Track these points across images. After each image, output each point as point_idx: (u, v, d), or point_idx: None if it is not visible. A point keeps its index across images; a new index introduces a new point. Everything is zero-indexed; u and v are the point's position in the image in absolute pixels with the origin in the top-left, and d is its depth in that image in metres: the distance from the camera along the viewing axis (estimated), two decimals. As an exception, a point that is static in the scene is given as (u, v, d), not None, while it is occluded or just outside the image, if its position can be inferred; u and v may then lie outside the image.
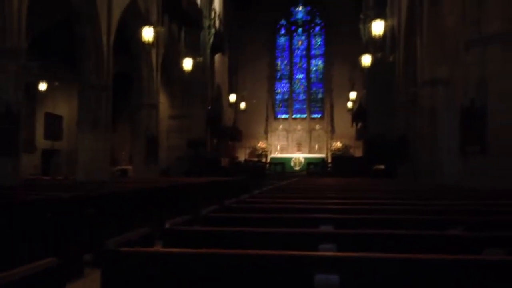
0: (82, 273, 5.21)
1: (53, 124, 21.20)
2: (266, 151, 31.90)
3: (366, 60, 19.42)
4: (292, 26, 33.79)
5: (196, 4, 22.31)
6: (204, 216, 3.47)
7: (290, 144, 32.16)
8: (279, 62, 33.78)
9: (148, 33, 15.22)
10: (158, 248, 2.41)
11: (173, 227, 2.74)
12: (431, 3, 12.16)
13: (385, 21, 17.21)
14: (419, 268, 2.16)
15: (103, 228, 5.69)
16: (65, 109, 21.45)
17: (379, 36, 16.01)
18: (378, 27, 15.81)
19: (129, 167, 20.38)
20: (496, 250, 2.41)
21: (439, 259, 2.18)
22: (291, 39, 33.78)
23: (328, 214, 4.13)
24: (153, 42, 15.70)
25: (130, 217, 6.47)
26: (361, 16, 22.72)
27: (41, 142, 20.55)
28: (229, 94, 30.58)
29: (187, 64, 20.24)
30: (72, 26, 13.42)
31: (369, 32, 18.32)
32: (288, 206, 4.68)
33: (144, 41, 15.29)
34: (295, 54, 33.73)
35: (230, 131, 29.17)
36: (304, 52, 33.65)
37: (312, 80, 33.42)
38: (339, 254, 2.30)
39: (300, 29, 33.72)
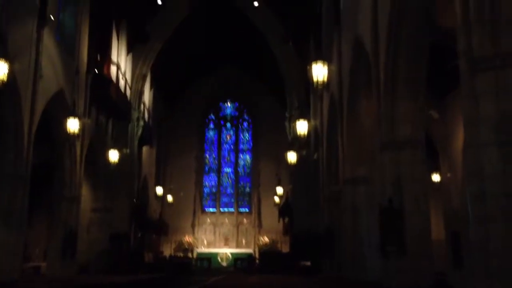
0: None
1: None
2: (193, 246, 31.01)
3: (292, 157, 20.07)
4: (220, 121, 34.60)
5: (125, 96, 22.44)
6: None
7: (218, 238, 31.55)
8: (207, 156, 34.03)
9: (73, 125, 14.90)
10: None
11: None
12: (350, 107, 13.02)
13: (309, 121, 18.12)
14: None
15: None
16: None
17: (304, 135, 16.74)
18: (302, 126, 16.56)
19: (43, 264, 18.92)
20: None
21: None
22: (219, 133, 34.41)
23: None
24: (78, 134, 15.36)
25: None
26: (286, 114, 23.82)
27: None
28: (156, 186, 30.05)
29: (113, 156, 19.84)
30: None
31: (294, 130, 19.14)
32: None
33: (69, 133, 14.93)
34: (223, 148, 34.23)
35: (156, 225, 28.26)
36: (232, 146, 34.25)
37: (240, 174, 33.76)
38: None
39: (228, 124, 34.55)
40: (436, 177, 16.61)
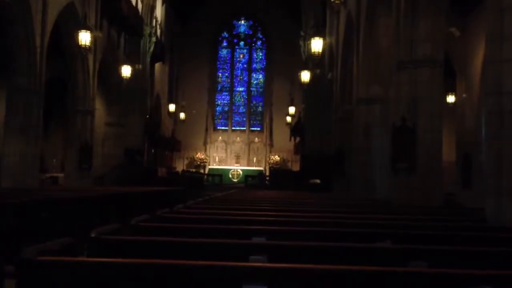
0: (2, 286, 4.90)
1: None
2: (205, 162, 31.70)
3: (305, 76, 19.81)
4: (234, 39, 33.97)
5: (137, 11, 21.93)
6: (133, 226, 3.37)
7: (229, 156, 32.16)
8: (220, 74, 33.80)
9: (85, 37, 14.71)
10: (81, 257, 2.30)
11: (99, 236, 2.63)
12: (367, 25, 12.61)
13: (324, 39, 17.66)
14: (347, 279, 2.19)
15: (27, 238, 5.39)
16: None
17: (318, 53, 16.38)
18: (317, 45, 16.17)
19: (61, 175, 19.56)
20: (419, 262, 2.49)
21: (366, 271, 2.23)
22: (233, 52, 33.93)
23: (261, 225, 4.14)
24: (90, 47, 15.20)
25: (56, 227, 6.18)
26: (301, 33, 23.22)
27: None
28: (168, 103, 30.20)
29: (126, 71, 19.78)
30: (2, 27, 12.76)
31: (309, 49, 18.74)
32: (222, 217, 4.65)
33: (81, 45, 14.78)
34: (236, 66, 33.89)
35: (169, 141, 28.75)
36: (245, 65, 33.88)
37: (252, 94, 33.67)
38: (266, 265, 2.29)
39: (242, 42, 33.94)
40: (451, 98, 16.39)
